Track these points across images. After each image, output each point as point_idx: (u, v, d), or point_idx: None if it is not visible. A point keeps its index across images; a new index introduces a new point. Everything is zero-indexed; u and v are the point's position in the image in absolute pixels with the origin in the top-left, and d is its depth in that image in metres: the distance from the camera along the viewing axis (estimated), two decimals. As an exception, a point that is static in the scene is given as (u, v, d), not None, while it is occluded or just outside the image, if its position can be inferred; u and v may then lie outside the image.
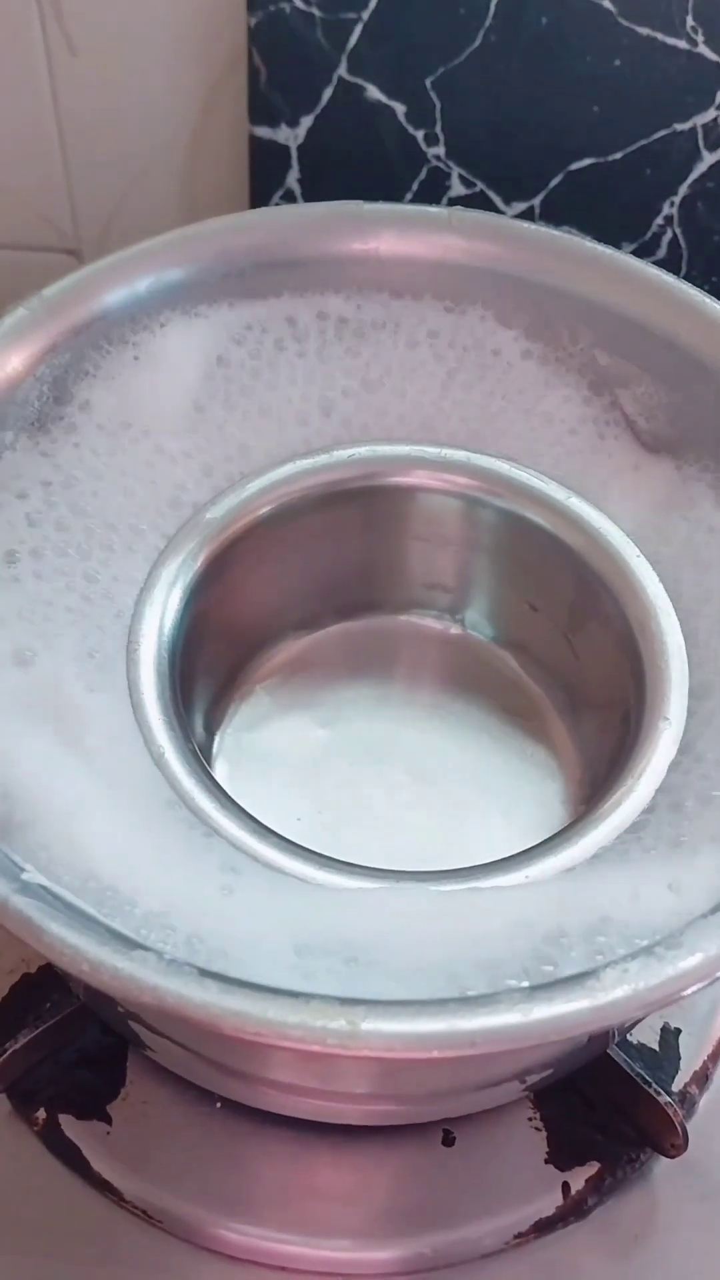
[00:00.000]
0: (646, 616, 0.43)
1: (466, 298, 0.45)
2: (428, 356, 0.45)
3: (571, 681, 0.50)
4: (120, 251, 0.43)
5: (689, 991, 0.29)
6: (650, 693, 0.41)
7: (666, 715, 0.40)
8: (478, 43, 0.59)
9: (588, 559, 0.46)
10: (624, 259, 0.44)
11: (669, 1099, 0.41)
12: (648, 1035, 0.46)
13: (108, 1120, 0.44)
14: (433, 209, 0.45)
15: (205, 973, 0.28)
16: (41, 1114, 0.44)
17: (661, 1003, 0.29)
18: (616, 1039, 0.42)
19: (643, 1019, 0.43)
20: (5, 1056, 0.42)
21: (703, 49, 0.59)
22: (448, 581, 0.52)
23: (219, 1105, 0.44)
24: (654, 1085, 0.42)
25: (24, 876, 0.30)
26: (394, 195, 0.65)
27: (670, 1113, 0.41)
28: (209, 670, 0.48)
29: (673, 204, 0.65)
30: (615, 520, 0.45)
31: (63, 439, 0.42)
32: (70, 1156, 0.44)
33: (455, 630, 0.54)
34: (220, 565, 0.44)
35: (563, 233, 0.46)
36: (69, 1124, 0.44)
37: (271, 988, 0.28)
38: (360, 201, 0.44)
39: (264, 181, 0.65)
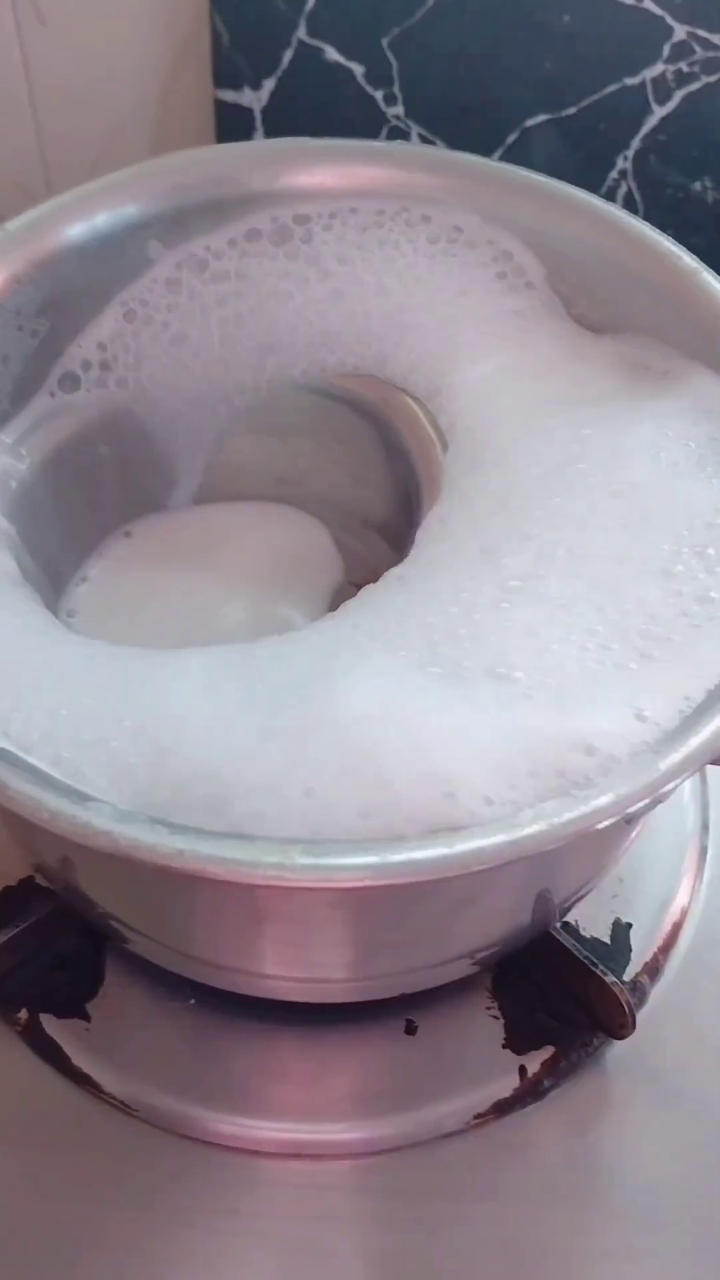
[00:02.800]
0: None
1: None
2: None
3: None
4: (80, 186, 0.45)
5: (601, 825, 0.31)
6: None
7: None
8: (431, 2, 0.61)
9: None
10: (561, 186, 0.46)
11: (615, 980, 0.44)
12: (600, 929, 0.48)
13: (86, 1018, 0.46)
14: (376, 143, 0.48)
15: (155, 820, 0.31)
16: (24, 1014, 0.47)
17: (574, 835, 0.31)
18: (559, 918, 0.44)
19: (582, 894, 0.45)
20: (-14, 954, 0.44)
21: (649, 4, 0.60)
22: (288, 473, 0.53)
23: (192, 1001, 0.46)
24: (600, 967, 0.44)
25: (-14, 740, 0.32)
26: (356, 154, 0.67)
27: (617, 992, 0.43)
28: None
29: (626, 158, 0.66)
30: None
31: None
32: (51, 1053, 0.46)
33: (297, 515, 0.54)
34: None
35: (499, 162, 0.48)
36: (49, 1023, 0.46)
37: (215, 832, 0.31)
38: (307, 138, 0.47)
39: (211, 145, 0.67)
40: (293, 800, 0.31)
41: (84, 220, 0.45)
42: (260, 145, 0.48)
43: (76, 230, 0.45)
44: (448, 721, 0.33)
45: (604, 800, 0.31)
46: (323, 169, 0.46)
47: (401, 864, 0.30)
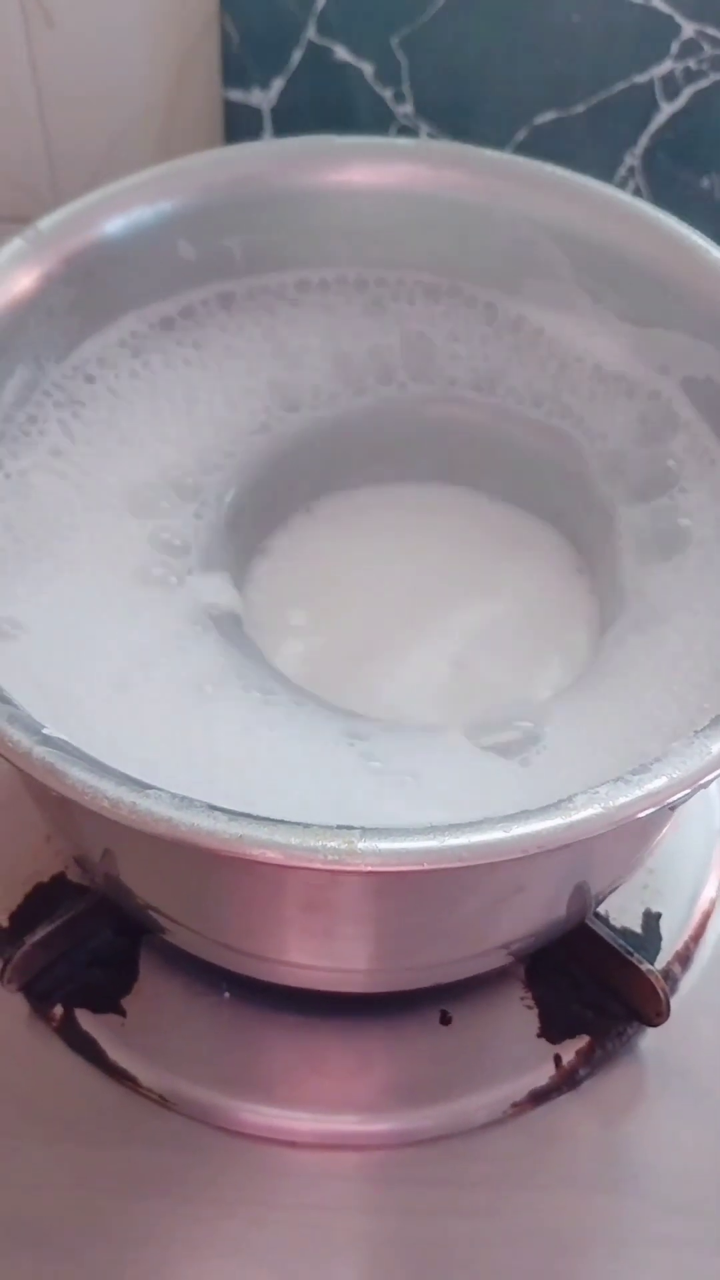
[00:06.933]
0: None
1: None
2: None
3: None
4: (110, 185, 0.45)
5: (647, 812, 0.31)
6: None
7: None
8: (440, 2, 0.62)
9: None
10: (589, 181, 0.47)
11: (650, 967, 0.44)
12: (630, 919, 0.49)
13: (122, 1013, 0.47)
14: (401, 140, 0.48)
15: (214, 807, 0.31)
16: (59, 1010, 0.47)
17: (627, 819, 0.31)
18: (594, 907, 0.45)
19: (616, 885, 0.45)
20: (23, 950, 0.44)
21: (657, 2, 0.61)
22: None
23: (226, 995, 0.47)
24: (636, 955, 0.44)
25: (44, 731, 0.32)
26: (365, 153, 0.67)
27: (653, 979, 0.44)
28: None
29: (635, 155, 0.67)
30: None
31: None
32: (88, 1049, 0.46)
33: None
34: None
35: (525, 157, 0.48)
36: (85, 1018, 0.47)
37: (274, 819, 0.31)
38: (332, 136, 0.47)
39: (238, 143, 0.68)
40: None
41: (114, 219, 0.45)
42: (287, 143, 0.48)
43: (107, 229, 0.45)
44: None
45: (658, 783, 0.31)
46: (350, 166, 0.46)
47: (460, 847, 0.30)
